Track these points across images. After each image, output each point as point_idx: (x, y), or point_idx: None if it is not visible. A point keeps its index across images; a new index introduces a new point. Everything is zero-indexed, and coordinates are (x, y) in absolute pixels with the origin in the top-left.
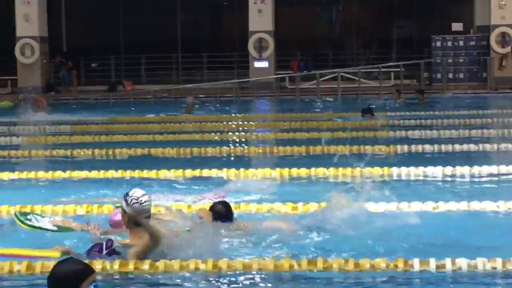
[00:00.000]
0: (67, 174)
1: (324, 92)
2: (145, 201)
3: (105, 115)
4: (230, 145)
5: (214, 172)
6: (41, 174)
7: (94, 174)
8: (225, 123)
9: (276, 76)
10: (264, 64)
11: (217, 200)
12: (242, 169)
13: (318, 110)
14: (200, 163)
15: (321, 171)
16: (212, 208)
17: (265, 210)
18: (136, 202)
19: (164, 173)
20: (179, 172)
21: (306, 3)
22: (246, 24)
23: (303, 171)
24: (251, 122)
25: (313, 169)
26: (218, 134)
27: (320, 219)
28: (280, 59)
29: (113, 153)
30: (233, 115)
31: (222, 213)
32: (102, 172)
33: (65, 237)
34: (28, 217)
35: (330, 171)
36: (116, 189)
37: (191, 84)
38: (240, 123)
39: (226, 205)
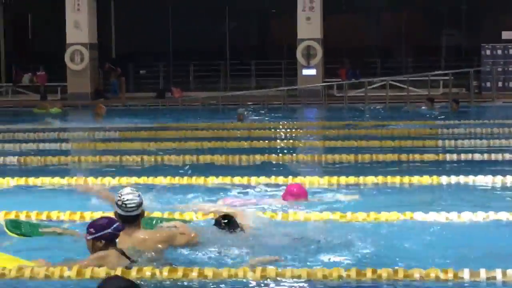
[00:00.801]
0: (116, 180)
1: (372, 100)
2: (127, 200)
3: (153, 122)
4: (279, 152)
5: (262, 180)
6: (90, 180)
7: (143, 180)
8: (273, 130)
9: (324, 83)
10: (312, 71)
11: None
12: (290, 177)
13: (366, 118)
14: (249, 170)
15: (369, 180)
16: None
17: (313, 218)
18: (119, 200)
19: (213, 180)
20: (227, 179)
21: (354, 11)
22: (295, 32)
23: (351, 179)
24: (299, 130)
25: (361, 177)
26: (266, 141)
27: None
28: (328, 67)
29: (162, 160)
30: (281, 122)
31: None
32: (151, 178)
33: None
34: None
35: (379, 179)
36: (165, 195)
37: (239, 91)
38: (288, 130)
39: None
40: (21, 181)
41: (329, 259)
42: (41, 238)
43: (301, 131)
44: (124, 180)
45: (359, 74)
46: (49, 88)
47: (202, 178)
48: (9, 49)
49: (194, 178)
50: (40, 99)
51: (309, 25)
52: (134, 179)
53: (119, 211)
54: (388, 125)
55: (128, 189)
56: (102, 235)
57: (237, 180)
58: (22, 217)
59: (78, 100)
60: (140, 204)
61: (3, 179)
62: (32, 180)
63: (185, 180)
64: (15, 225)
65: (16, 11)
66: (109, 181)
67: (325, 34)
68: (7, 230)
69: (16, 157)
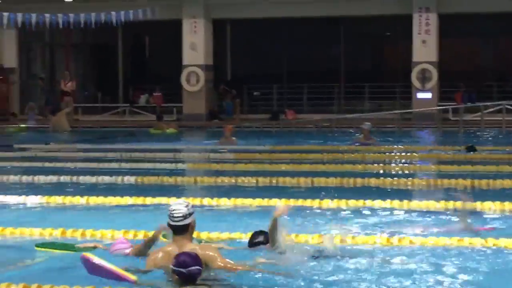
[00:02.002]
0: (231, 201)
1: (488, 125)
2: (174, 210)
3: (267, 144)
4: (393, 176)
5: (377, 203)
6: (206, 201)
7: (258, 202)
8: (387, 154)
9: (439, 107)
10: (427, 95)
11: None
12: (405, 201)
13: (482, 142)
14: (363, 193)
15: (487, 205)
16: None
17: (430, 243)
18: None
19: (327, 203)
20: (343, 202)
21: (470, 35)
22: (410, 55)
23: (468, 205)
24: (414, 153)
25: (478, 202)
26: (381, 165)
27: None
28: (444, 90)
29: (277, 182)
30: (395, 146)
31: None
32: (266, 200)
33: None
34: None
35: (496, 205)
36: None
37: (353, 114)
38: (403, 154)
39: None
40: (138, 200)
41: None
42: None
43: (415, 154)
44: (239, 201)
45: (475, 98)
46: (165, 109)
47: (317, 200)
48: (127, 71)
49: (309, 200)
50: (156, 119)
51: (424, 48)
52: (249, 201)
53: (168, 221)
54: (504, 150)
55: (179, 200)
56: (176, 270)
57: (352, 203)
58: (141, 236)
59: (193, 121)
60: (186, 215)
61: (121, 198)
62: (149, 200)
63: (299, 202)
64: (47, 246)
65: (134, 33)
66: (224, 202)
67: (440, 57)
68: (38, 248)
69: (134, 176)
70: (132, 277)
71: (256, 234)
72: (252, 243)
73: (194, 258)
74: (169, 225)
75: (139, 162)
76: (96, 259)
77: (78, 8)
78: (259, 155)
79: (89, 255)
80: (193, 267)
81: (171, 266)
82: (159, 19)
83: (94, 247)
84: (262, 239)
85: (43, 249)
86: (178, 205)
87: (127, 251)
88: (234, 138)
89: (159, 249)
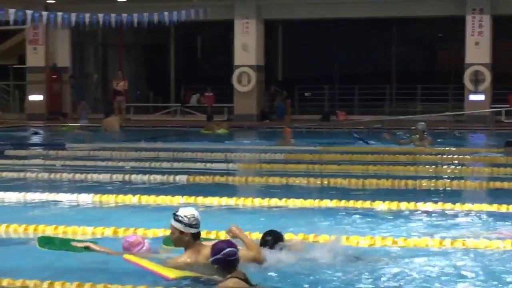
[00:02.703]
0: (282, 202)
1: None
2: (193, 216)
3: (318, 145)
4: (445, 178)
5: (429, 206)
6: (257, 201)
7: (309, 203)
8: (439, 156)
9: (492, 109)
10: (480, 97)
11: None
12: (458, 204)
13: None
14: (415, 196)
15: None
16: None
17: (482, 246)
18: (187, 219)
19: (378, 205)
20: (394, 204)
21: None
22: (462, 57)
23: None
24: (466, 156)
25: None
26: (433, 167)
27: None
28: (497, 92)
29: (328, 183)
30: (447, 148)
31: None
32: (317, 201)
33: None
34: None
35: None
36: (331, 218)
37: (404, 115)
38: (455, 156)
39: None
40: (190, 199)
41: None
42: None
43: (467, 157)
44: (290, 202)
45: None
46: (216, 109)
47: (368, 202)
48: (179, 70)
49: (360, 202)
50: (207, 119)
51: (477, 50)
52: (300, 201)
53: (192, 230)
54: None
55: (189, 208)
56: (214, 259)
57: (403, 205)
58: None
59: (244, 121)
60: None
61: (173, 197)
62: (200, 199)
63: (351, 204)
64: (46, 241)
65: (186, 33)
66: (275, 202)
67: (494, 59)
68: (38, 246)
69: (185, 176)
70: (171, 275)
71: (265, 234)
72: (260, 243)
73: (227, 243)
74: (193, 235)
75: (190, 162)
76: (136, 261)
77: (131, 8)
78: (310, 155)
79: (129, 257)
80: (228, 249)
81: (210, 260)
82: (211, 19)
83: (88, 247)
84: (270, 239)
85: (44, 247)
86: (192, 211)
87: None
88: (292, 140)
89: (180, 256)
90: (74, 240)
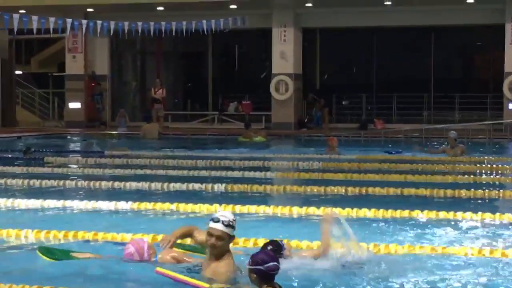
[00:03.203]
0: (320, 210)
1: None
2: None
3: (356, 153)
4: (484, 188)
5: (468, 215)
6: (295, 209)
7: (347, 212)
8: (478, 165)
9: None
10: None
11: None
12: (497, 214)
13: None
14: (454, 205)
15: None
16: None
17: None
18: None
19: (417, 214)
20: (432, 213)
21: None
22: (501, 65)
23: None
24: (505, 165)
25: None
26: (471, 176)
27: None
28: None
29: (366, 192)
30: (485, 157)
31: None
32: (355, 210)
33: None
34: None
35: None
36: (369, 227)
37: (442, 124)
38: (494, 165)
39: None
40: (228, 207)
41: None
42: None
43: (507, 166)
44: (329, 211)
45: None
46: (253, 117)
47: (407, 211)
48: (216, 78)
49: (398, 211)
50: (245, 127)
51: None
52: (338, 210)
53: (234, 233)
54: None
55: (225, 212)
56: (254, 269)
57: (442, 214)
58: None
59: (282, 129)
60: None
61: (211, 206)
62: (238, 207)
63: (389, 213)
64: (48, 252)
65: (224, 41)
66: (313, 211)
67: None
68: (41, 256)
69: (224, 184)
70: (205, 285)
71: (267, 244)
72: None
73: (270, 256)
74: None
75: (228, 170)
76: (168, 273)
77: (170, 16)
78: (348, 164)
79: (161, 269)
80: (271, 263)
81: (247, 266)
82: (249, 27)
83: (88, 257)
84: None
85: (44, 257)
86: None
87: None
88: (337, 148)
89: (226, 265)
90: (74, 251)
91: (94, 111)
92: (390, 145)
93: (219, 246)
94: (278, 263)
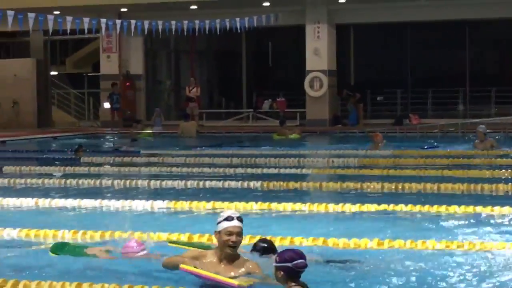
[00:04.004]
0: (357, 207)
1: None
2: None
3: (391, 149)
4: None
5: (506, 210)
6: (331, 206)
7: (383, 207)
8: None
9: None
10: None
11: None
12: None
13: None
14: (491, 200)
15: None
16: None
17: None
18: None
19: (454, 209)
20: (470, 208)
21: None
22: None
23: None
24: None
25: None
26: (509, 170)
27: None
28: None
29: (402, 188)
30: None
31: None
32: (391, 206)
33: None
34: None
35: None
36: (406, 222)
37: (478, 118)
38: None
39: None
40: (264, 205)
41: None
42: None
43: None
44: (365, 207)
45: None
46: (288, 114)
47: (444, 207)
48: (250, 76)
49: (435, 206)
50: (280, 124)
51: None
52: (374, 206)
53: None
54: None
55: (227, 212)
56: (281, 267)
57: (479, 209)
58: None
59: (317, 126)
60: None
61: (247, 203)
62: (274, 205)
63: (426, 208)
64: (60, 248)
65: (257, 39)
66: (349, 207)
67: None
68: (51, 253)
69: (259, 181)
70: (235, 282)
71: (259, 241)
72: (252, 249)
73: (298, 253)
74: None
75: (263, 167)
76: (194, 270)
77: (203, 15)
78: (383, 160)
79: (187, 267)
80: (299, 260)
81: (274, 264)
82: (282, 24)
83: (103, 251)
84: (260, 247)
85: (56, 254)
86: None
87: (139, 254)
88: (382, 144)
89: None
90: (86, 247)
91: (131, 110)
92: (432, 140)
93: (239, 242)
94: (306, 260)
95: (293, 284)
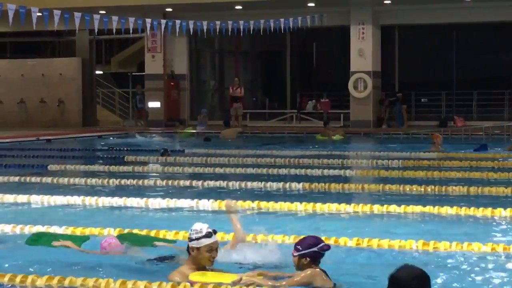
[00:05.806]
0: (401, 208)
1: None
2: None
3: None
4: None
5: None
6: (375, 208)
7: (428, 209)
8: None
9: None
10: None
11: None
12: None
13: None
14: None
15: None
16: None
17: None
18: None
19: (500, 212)
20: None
21: None
22: None
23: None
24: None
25: None
26: None
27: None
28: None
29: (445, 190)
30: None
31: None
32: (436, 208)
33: None
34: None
35: None
36: (451, 225)
37: None
38: None
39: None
40: (308, 206)
41: None
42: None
43: None
44: (409, 209)
45: None
46: (332, 115)
47: (489, 209)
48: (294, 77)
49: (481, 209)
50: (324, 124)
51: None
52: (419, 208)
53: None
54: None
55: (198, 225)
56: (307, 253)
57: None
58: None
59: (360, 127)
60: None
61: (291, 204)
62: (318, 206)
63: (471, 211)
64: (35, 238)
65: (302, 40)
66: (394, 209)
67: None
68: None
69: (301, 183)
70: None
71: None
72: None
73: (318, 238)
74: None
75: (307, 168)
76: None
77: (248, 15)
78: (427, 162)
79: (196, 277)
80: (323, 244)
81: (296, 254)
82: (327, 25)
83: (68, 246)
84: None
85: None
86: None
87: (118, 249)
88: (442, 146)
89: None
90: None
91: (176, 109)
92: (484, 142)
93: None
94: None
95: (314, 266)
